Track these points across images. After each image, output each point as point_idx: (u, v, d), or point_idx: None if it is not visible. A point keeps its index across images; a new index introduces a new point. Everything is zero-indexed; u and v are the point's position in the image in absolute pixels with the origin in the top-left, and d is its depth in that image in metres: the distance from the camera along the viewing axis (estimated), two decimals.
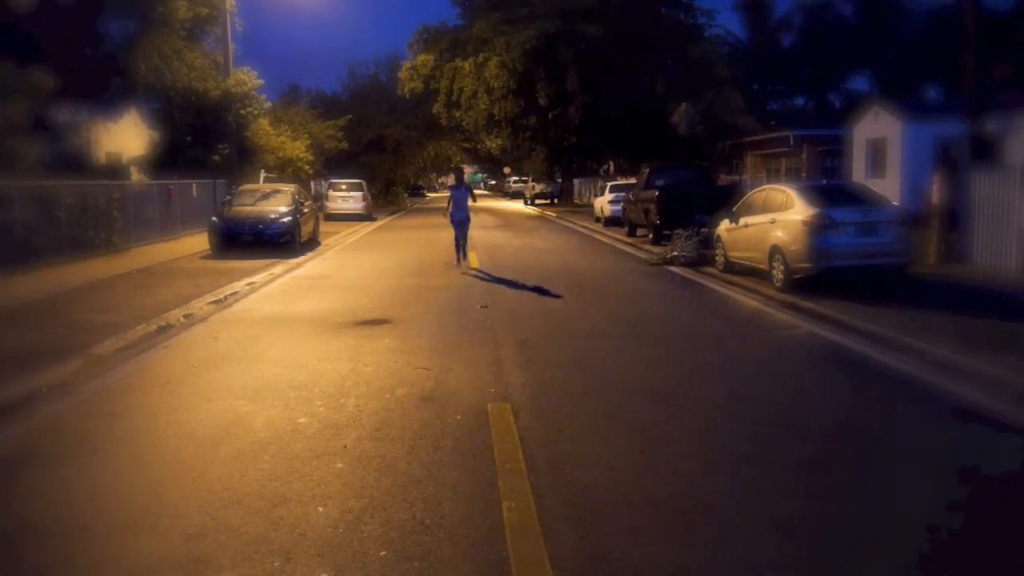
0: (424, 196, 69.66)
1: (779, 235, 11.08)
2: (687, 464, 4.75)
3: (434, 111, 40.94)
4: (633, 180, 25.38)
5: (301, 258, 16.53)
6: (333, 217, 29.92)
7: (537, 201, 47.67)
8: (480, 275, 13.69)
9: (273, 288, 12.63)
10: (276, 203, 17.88)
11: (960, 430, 5.43)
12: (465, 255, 15.07)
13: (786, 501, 4.21)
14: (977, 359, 6.68)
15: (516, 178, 65.12)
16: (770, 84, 43.76)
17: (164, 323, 9.13)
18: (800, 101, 44.04)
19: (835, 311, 9.07)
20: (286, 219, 17.20)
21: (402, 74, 41.16)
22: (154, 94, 21.35)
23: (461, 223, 15.09)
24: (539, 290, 11.99)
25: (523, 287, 12.34)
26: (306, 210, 19.07)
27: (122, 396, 6.46)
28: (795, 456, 4.86)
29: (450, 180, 15.84)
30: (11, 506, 4.26)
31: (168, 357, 7.81)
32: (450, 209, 15.13)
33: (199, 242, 18.15)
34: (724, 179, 28.94)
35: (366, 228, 27.77)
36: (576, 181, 48.40)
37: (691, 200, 17.06)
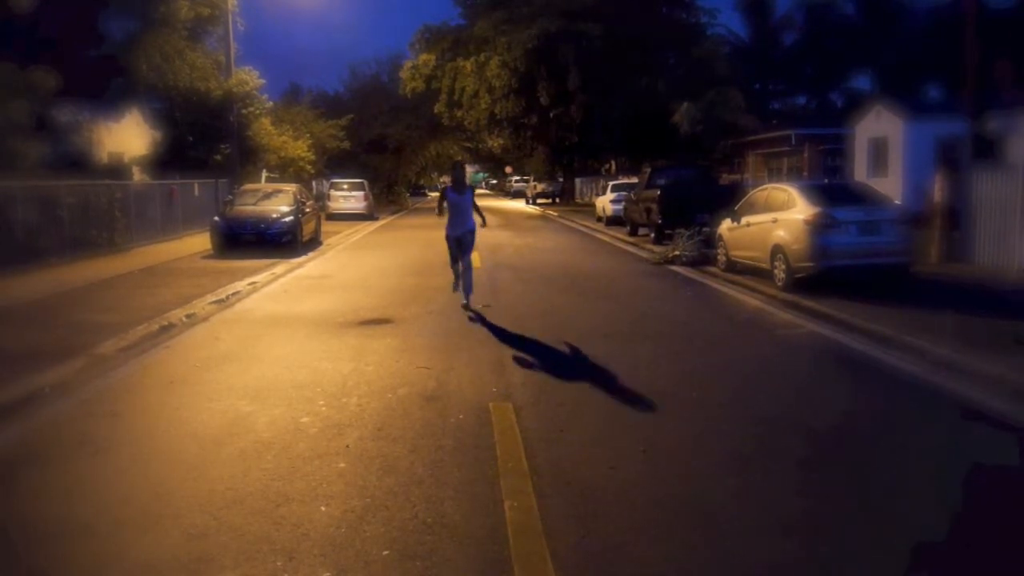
0: (426, 196, 69.77)
1: (781, 234, 11.07)
2: (689, 464, 4.75)
3: (436, 110, 40.98)
4: (635, 179, 25.38)
5: (303, 258, 16.54)
6: (335, 217, 29.95)
7: (539, 200, 47.73)
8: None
9: (275, 288, 12.63)
10: (278, 203, 17.91)
11: (962, 429, 5.43)
12: (467, 289, 10.36)
13: (788, 501, 4.21)
14: (979, 358, 6.67)
15: (518, 177, 65.23)
16: (771, 83, 43.70)
17: (166, 323, 9.14)
18: (802, 100, 44.01)
19: (837, 310, 9.06)
20: (288, 219, 17.22)
21: (403, 73, 41.20)
22: (156, 94, 21.38)
23: (459, 241, 10.32)
24: (541, 290, 11.99)
25: (525, 287, 12.34)
26: (308, 210, 19.09)
27: (124, 396, 6.47)
28: (797, 456, 4.86)
29: (449, 181, 10.98)
30: (13, 506, 4.26)
31: (170, 357, 7.81)
32: (445, 223, 10.59)
33: (201, 242, 18.17)
34: (726, 178, 28.92)
35: (368, 228, 27.79)
36: (578, 180, 48.44)
37: (693, 199, 17.06)
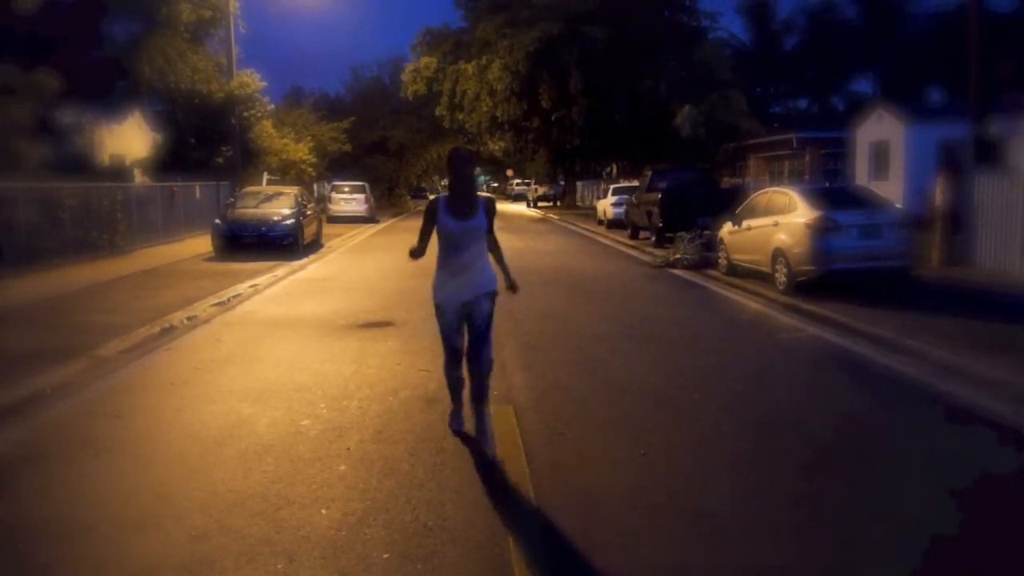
0: (427, 198, 69.75)
1: (782, 238, 11.07)
2: (689, 466, 4.74)
3: (437, 113, 41.03)
4: (636, 182, 25.41)
5: (304, 260, 16.54)
6: (336, 219, 29.97)
7: (540, 204, 47.79)
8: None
9: (276, 290, 12.64)
10: (279, 205, 17.94)
11: (962, 432, 5.42)
12: (484, 436, 4.96)
13: (788, 504, 4.20)
14: (979, 362, 6.67)
15: (519, 181, 65.23)
16: (773, 86, 43.78)
17: (167, 325, 9.15)
18: (803, 103, 44.09)
19: (838, 314, 9.06)
20: (289, 221, 17.25)
21: (405, 76, 41.26)
22: (158, 96, 21.45)
23: (468, 314, 5.08)
24: (541, 293, 11.98)
25: (526, 289, 12.32)
26: (309, 212, 19.12)
27: (126, 397, 6.47)
28: (797, 459, 4.85)
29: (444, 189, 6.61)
30: (16, 506, 4.27)
31: (171, 359, 7.82)
32: (437, 271, 5.14)
33: (202, 244, 18.18)
34: (727, 181, 28.97)
35: (369, 230, 27.80)
36: (579, 183, 48.48)
37: (694, 202, 17.07)
